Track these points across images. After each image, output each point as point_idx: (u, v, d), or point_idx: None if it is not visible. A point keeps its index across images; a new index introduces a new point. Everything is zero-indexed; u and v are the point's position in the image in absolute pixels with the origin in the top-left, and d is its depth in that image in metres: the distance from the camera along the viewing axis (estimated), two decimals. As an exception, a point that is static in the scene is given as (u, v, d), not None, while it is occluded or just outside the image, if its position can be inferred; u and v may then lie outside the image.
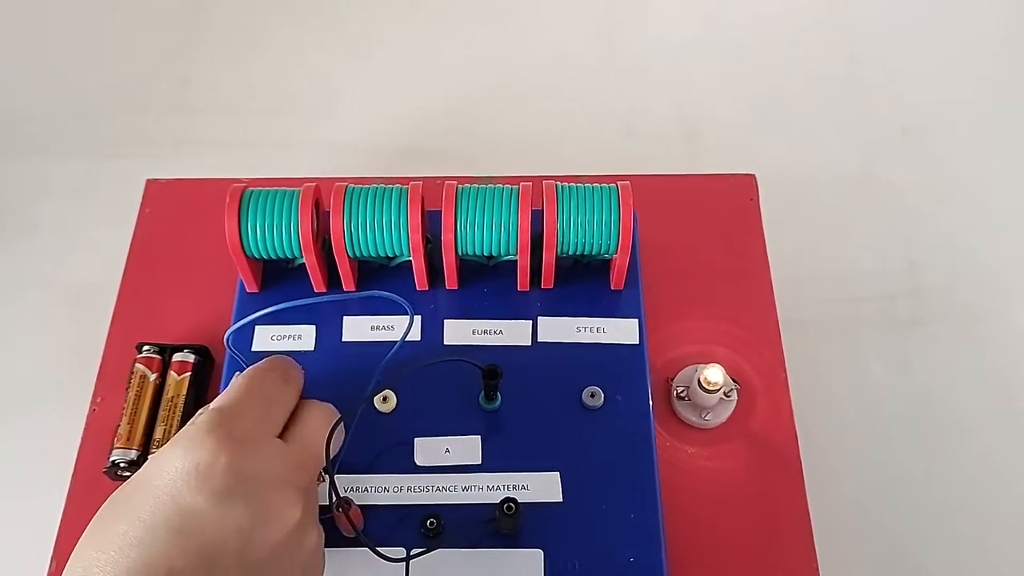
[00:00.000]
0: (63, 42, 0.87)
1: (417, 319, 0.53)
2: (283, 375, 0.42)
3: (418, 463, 0.48)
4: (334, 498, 0.44)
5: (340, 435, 0.43)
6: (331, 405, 0.44)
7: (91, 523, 0.36)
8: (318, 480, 0.43)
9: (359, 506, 0.45)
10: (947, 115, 0.81)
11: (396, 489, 0.48)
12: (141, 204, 0.62)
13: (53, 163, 0.79)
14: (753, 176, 0.63)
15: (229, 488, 0.35)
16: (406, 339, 0.48)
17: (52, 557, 0.49)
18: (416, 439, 0.49)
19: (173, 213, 0.62)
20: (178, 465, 0.35)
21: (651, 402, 0.50)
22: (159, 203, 0.62)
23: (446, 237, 0.50)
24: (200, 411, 0.40)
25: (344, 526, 0.45)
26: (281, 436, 0.40)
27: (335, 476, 0.45)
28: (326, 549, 0.45)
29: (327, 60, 0.86)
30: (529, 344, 0.52)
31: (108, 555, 0.34)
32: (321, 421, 0.42)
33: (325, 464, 0.42)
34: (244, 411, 0.39)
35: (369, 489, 0.48)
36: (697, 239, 0.60)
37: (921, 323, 0.69)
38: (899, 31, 0.87)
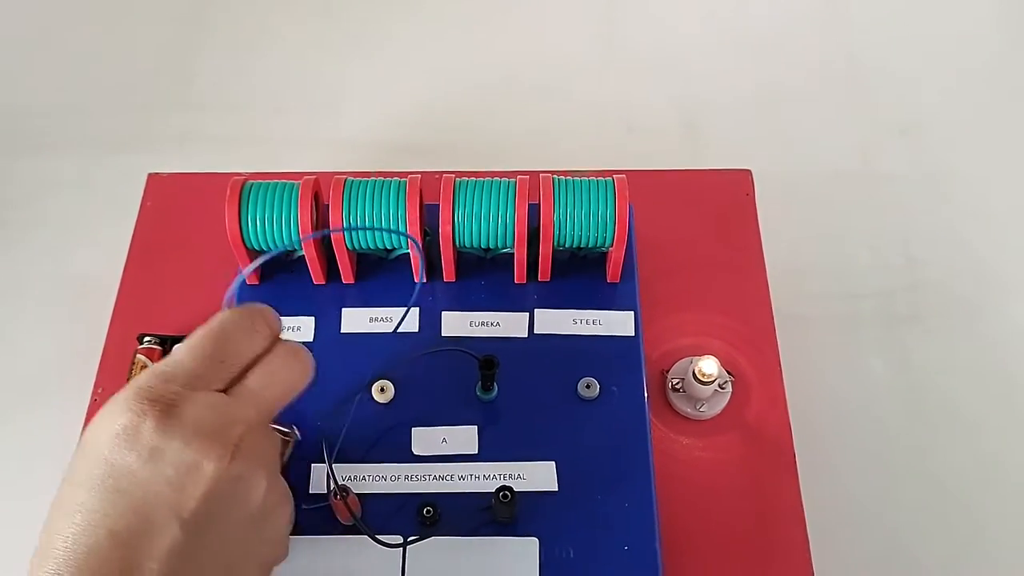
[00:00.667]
0: (67, 39, 0.88)
1: (415, 311, 0.53)
2: (249, 326, 0.41)
3: (415, 452, 0.49)
4: (332, 486, 0.45)
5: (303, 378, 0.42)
6: (305, 351, 0.43)
7: (58, 489, 0.37)
8: (286, 437, 0.44)
9: (356, 494, 0.46)
10: (945, 112, 0.81)
11: (393, 478, 0.48)
12: (143, 198, 0.63)
13: (57, 159, 0.80)
14: (749, 171, 0.63)
15: (155, 446, 0.36)
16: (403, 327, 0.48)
17: (54, 545, 0.50)
18: (413, 429, 0.50)
19: (174, 206, 0.62)
20: (108, 428, 0.36)
21: (646, 393, 0.51)
22: (160, 197, 0.63)
23: (444, 229, 0.51)
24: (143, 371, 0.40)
25: (342, 514, 0.46)
26: (230, 386, 0.40)
27: (334, 464, 0.46)
28: (323, 537, 0.46)
29: (329, 57, 0.86)
30: (526, 336, 0.53)
31: (59, 522, 0.35)
32: (281, 374, 0.41)
33: (274, 417, 0.41)
34: (184, 370, 0.39)
35: (367, 478, 0.48)
36: (693, 233, 0.61)
37: (919, 319, 0.69)
38: (898, 28, 0.87)
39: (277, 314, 0.43)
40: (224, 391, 0.39)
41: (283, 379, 0.41)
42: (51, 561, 0.34)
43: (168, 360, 0.39)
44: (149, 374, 0.38)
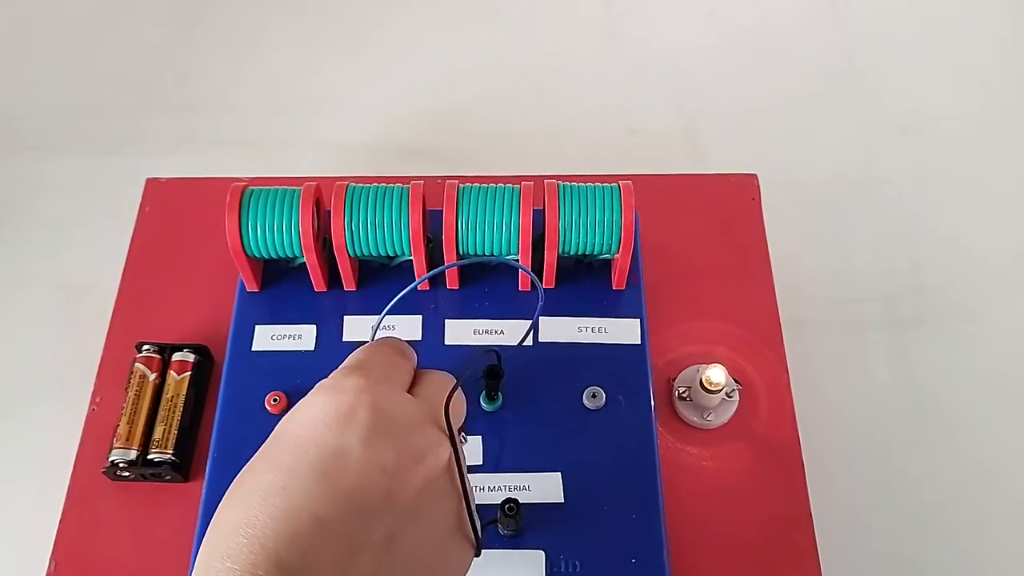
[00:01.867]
0: (64, 40, 0.87)
1: (418, 318, 0.53)
2: (398, 349, 0.40)
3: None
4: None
5: (462, 400, 0.41)
6: (448, 373, 0.41)
7: (230, 488, 0.34)
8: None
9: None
10: (948, 115, 0.81)
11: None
12: (141, 203, 0.62)
13: (54, 161, 0.79)
14: (755, 176, 0.63)
15: (375, 428, 0.34)
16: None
17: (52, 556, 0.49)
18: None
19: (173, 212, 0.61)
20: (319, 411, 0.34)
21: (653, 402, 0.50)
22: (159, 202, 0.62)
23: (447, 237, 0.50)
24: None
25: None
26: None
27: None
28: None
29: (328, 59, 0.86)
30: (530, 344, 0.52)
31: (250, 509, 0.32)
32: (441, 384, 0.39)
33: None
34: (376, 365, 0.37)
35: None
36: (699, 239, 0.60)
37: (922, 323, 0.68)
38: (900, 31, 0.87)
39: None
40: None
41: (442, 388, 0.39)
42: (256, 535, 0.31)
43: (356, 358, 0.38)
44: (347, 368, 0.37)
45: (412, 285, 0.45)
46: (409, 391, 0.38)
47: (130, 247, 0.60)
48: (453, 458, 0.36)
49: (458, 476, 0.37)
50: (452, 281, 0.54)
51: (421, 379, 0.40)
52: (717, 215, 0.61)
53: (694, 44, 0.86)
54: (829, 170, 0.77)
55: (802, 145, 0.79)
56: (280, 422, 0.35)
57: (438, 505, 0.36)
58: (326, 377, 0.36)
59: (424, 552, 0.35)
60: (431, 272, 0.46)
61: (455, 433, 0.38)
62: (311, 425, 0.34)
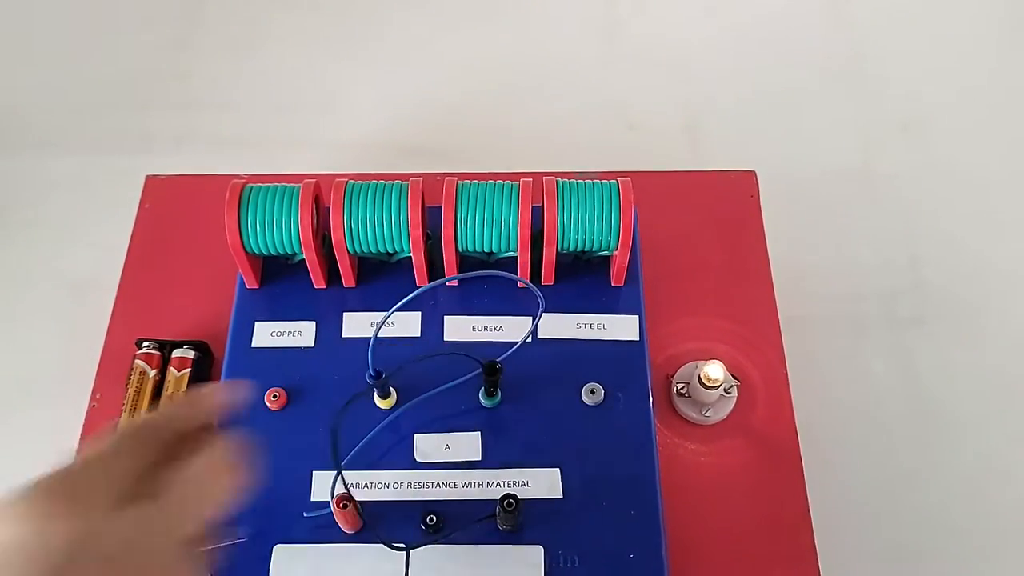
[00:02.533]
0: (66, 40, 0.87)
1: (417, 314, 0.53)
2: (151, 422, 0.35)
3: (418, 459, 0.48)
4: (336, 494, 0.44)
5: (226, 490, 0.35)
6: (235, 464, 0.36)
7: None
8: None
9: (359, 502, 0.45)
10: (948, 112, 0.81)
11: (396, 485, 0.48)
12: (141, 200, 0.62)
13: (55, 159, 0.79)
14: (753, 173, 0.63)
15: (71, 569, 0.30)
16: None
17: (52, 553, 0.49)
18: (416, 435, 0.49)
19: (173, 209, 0.62)
20: (5, 547, 0.30)
21: (651, 398, 0.50)
22: (159, 199, 0.62)
23: (446, 233, 0.50)
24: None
25: (346, 522, 0.45)
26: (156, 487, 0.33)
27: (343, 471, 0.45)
28: (326, 545, 0.46)
29: (328, 57, 0.86)
30: (529, 341, 0.52)
31: None
32: (205, 476, 0.35)
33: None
34: (88, 475, 0.32)
35: (369, 485, 0.47)
36: (698, 236, 0.60)
37: (921, 320, 0.69)
38: (900, 28, 0.87)
39: (220, 399, 0.37)
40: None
41: (211, 493, 0.35)
42: None
43: (59, 474, 0.32)
44: (42, 488, 0.31)
45: (414, 293, 0.44)
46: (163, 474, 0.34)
47: (130, 244, 0.60)
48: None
49: None
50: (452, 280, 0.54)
51: (178, 467, 0.34)
52: (716, 212, 0.61)
53: (695, 41, 0.86)
54: (829, 166, 0.77)
55: (802, 141, 0.79)
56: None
57: None
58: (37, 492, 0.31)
59: None
60: (433, 284, 0.45)
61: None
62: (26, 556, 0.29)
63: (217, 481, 0.35)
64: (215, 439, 0.36)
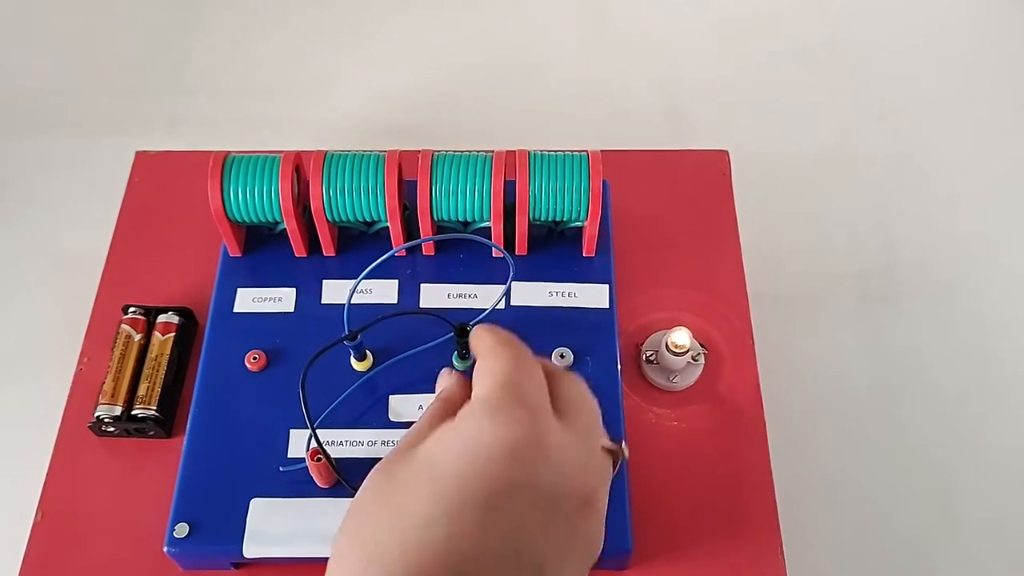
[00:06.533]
0: (59, 23, 0.89)
1: (394, 282, 0.55)
2: (525, 351, 0.37)
3: (392, 419, 0.50)
4: (310, 448, 0.46)
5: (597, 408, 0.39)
6: (574, 375, 0.39)
7: (366, 495, 0.34)
8: (615, 456, 0.40)
9: (335, 458, 0.47)
10: (924, 97, 0.82)
11: (371, 443, 0.49)
12: (130, 175, 0.64)
13: (50, 141, 0.81)
14: (726, 152, 0.64)
15: (542, 468, 0.33)
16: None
17: (38, 507, 0.51)
18: (391, 396, 0.51)
19: (160, 183, 0.63)
20: (487, 444, 0.33)
21: (619, 364, 0.52)
22: (147, 174, 0.64)
23: (422, 203, 0.52)
24: (475, 386, 0.36)
25: (320, 477, 0.47)
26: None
27: (317, 429, 0.47)
28: (301, 499, 0.47)
29: (319, 43, 0.88)
30: (503, 307, 0.54)
31: (408, 532, 0.31)
32: (580, 394, 0.38)
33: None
34: (530, 387, 0.35)
35: (345, 443, 0.49)
36: (671, 211, 0.62)
37: (893, 299, 0.70)
38: (879, 13, 0.88)
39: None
40: None
41: (589, 406, 0.38)
42: (409, 560, 0.30)
43: (506, 375, 0.35)
44: (504, 389, 0.34)
45: (388, 254, 0.47)
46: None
47: (119, 216, 0.62)
48: (606, 495, 0.37)
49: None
50: (428, 249, 0.56)
51: (556, 386, 0.37)
52: (689, 189, 0.63)
53: (677, 27, 0.88)
54: (807, 150, 0.79)
55: (781, 126, 0.81)
56: (437, 440, 0.34)
57: (583, 540, 0.36)
58: (491, 393, 0.34)
59: (572, 566, 0.35)
60: (407, 244, 0.48)
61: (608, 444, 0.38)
62: (478, 459, 0.32)
63: (595, 405, 0.38)
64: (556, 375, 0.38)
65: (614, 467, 0.40)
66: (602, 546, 0.37)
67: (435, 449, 0.34)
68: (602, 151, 0.52)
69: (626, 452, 0.43)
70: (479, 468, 0.32)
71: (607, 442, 0.39)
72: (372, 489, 0.34)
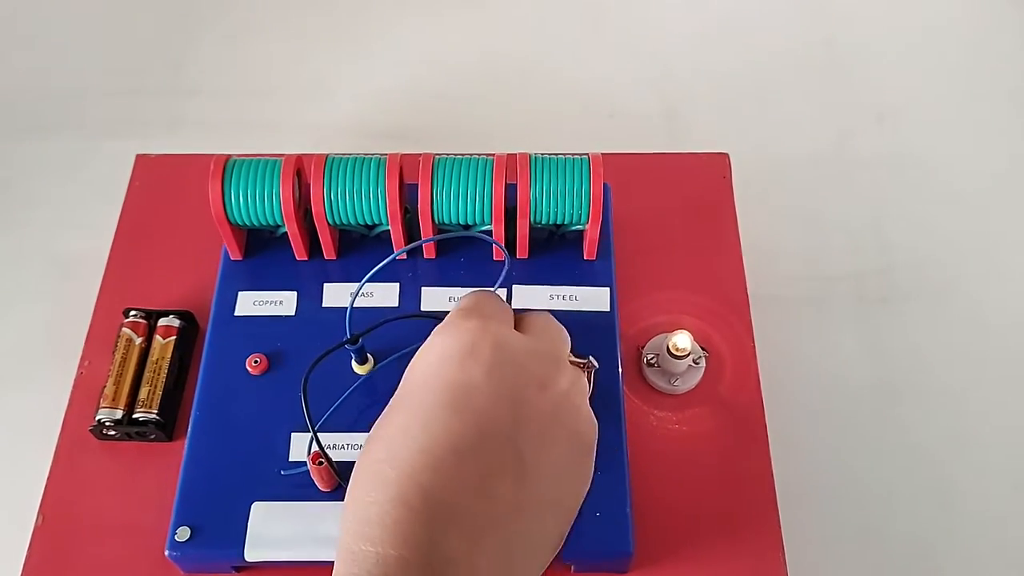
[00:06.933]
0: (58, 25, 0.89)
1: (395, 286, 0.55)
2: (499, 297, 0.43)
3: (394, 422, 0.50)
4: (312, 451, 0.46)
5: (565, 332, 0.44)
6: (545, 312, 0.45)
7: (369, 437, 0.37)
8: (584, 368, 0.44)
9: (336, 462, 0.47)
10: (921, 99, 0.83)
11: (372, 447, 0.49)
12: (131, 178, 0.64)
13: (49, 143, 0.81)
14: (726, 155, 0.64)
15: (497, 361, 0.36)
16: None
17: (39, 510, 0.51)
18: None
19: (161, 186, 0.63)
20: (443, 350, 0.37)
21: (620, 366, 0.52)
22: (148, 177, 0.64)
23: (422, 207, 0.52)
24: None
25: (321, 480, 0.47)
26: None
27: (319, 432, 0.47)
28: (303, 503, 0.47)
29: (319, 43, 0.88)
30: (503, 309, 0.54)
31: (393, 447, 0.35)
32: (545, 322, 0.42)
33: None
34: (488, 306, 0.40)
35: (346, 447, 0.49)
36: (671, 215, 0.62)
37: (890, 300, 0.70)
38: (876, 15, 0.89)
39: None
40: None
41: (549, 321, 0.42)
42: (401, 471, 0.34)
43: (469, 301, 0.40)
44: (462, 310, 0.39)
45: (390, 257, 0.47)
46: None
47: (119, 219, 0.62)
48: (573, 384, 0.39)
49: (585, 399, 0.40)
50: (429, 252, 0.56)
51: (524, 321, 0.43)
52: (690, 192, 0.63)
53: (676, 29, 0.88)
54: (806, 152, 0.79)
55: (779, 128, 0.81)
56: (407, 369, 0.38)
57: (564, 428, 0.38)
58: (452, 313, 0.39)
59: (557, 473, 0.38)
60: (409, 246, 0.48)
61: (575, 359, 0.42)
62: (437, 364, 0.37)
63: (563, 330, 0.42)
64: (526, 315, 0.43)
65: (590, 381, 0.44)
66: (594, 437, 0.40)
67: (407, 372, 0.39)
68: (602, 154, 0.52)
69: (595, 363, 0.46)
70: (434, 372, 0.37)
71: (575, 358, 0.43)
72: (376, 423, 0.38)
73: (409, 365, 0.38)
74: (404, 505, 0.33)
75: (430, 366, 0.37)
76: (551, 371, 0.38)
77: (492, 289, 0.45)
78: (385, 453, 0.35)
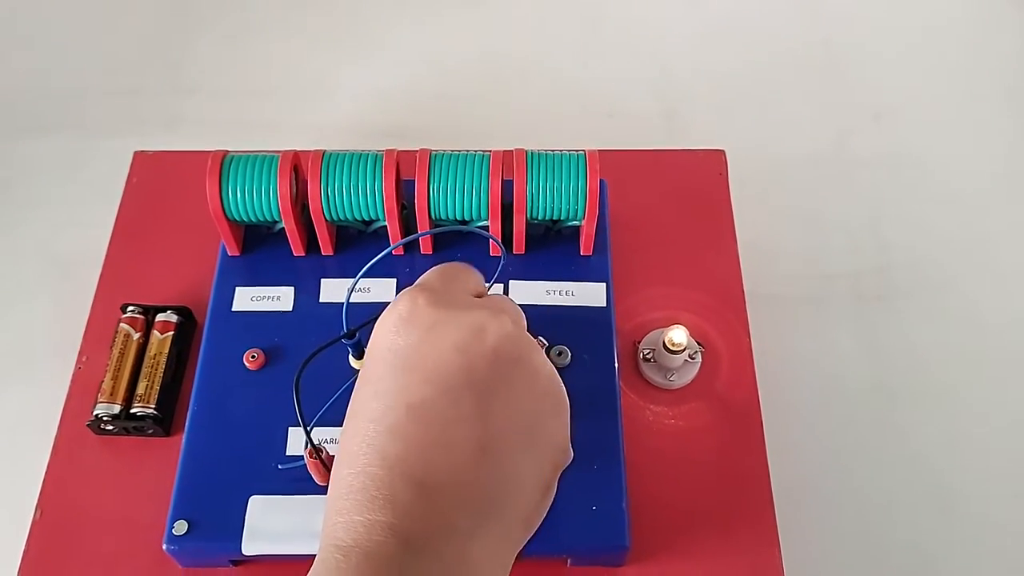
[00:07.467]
0: (58, 25, 0.89)
1: (392, 281, 0.55)
2: (460, 265, 0.43)
3: (390, 417, 0.50)
4: (308, 446, 0.46)
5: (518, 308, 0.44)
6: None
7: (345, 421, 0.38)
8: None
9: (332, 455, 0.47)
10: (918, 99, 0.83)
11: (369, 441, 0.49)
12: (129, 175, 0.64)
13: (48, 142, 0.81)
14: (722, 152, 0.65)
15: (434, 318, 0.37)
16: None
17: (38, 505, 0.51)
18: (389, 394, 0.51)
19: (159, 183, 0.64)
20: (384, 323, 0.38)
21: (616, 361, 0.52)
22: (145, 174, 0.64)
23: (419, 202, 0.52)
24: None
25: (318, 474, 0.47)
26: None
27: (311, 428, 0.47)
28: (300, 496, 0.48)
29: (317, 43, 0.88)
30: (499, 301, 0.54)
31: (359, 424, 0.36)
32: (507, 302, 0.42)
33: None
34: (430, 277, 0.41)
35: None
36: (668, 211, 0.62)
37: (887, 299, 0.70)
38: (874, 15, 0.89)
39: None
40: None
41: (512, 306, 0.42)
42: (362, 441, 0.35)
43: (420, 279, 0.42)
44: (411, 288, 0.40)
45: (386, 251, 0.47)
46: None
47: (117, 215, 0.62)
48: (515, 326, 0.39)
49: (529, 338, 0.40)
50: (426, 247, 0.56)
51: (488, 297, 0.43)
52: (686, 188, 0.63)
53: (673, 29, 0.88)
54: (803, 151, 0.79)
55: (777, 127, 0.81)
56: (371, 339, 0.39)
57: (518, 366, 0.38)
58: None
59: (521, 411, 0.38)
60: (404, 240, 0.48)
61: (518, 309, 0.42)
62: (381, 336, 0.38)
63: (517, 307, 0.42)
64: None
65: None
66: (556, 379, 0.41)
67: (367, 350, 0.39)
68: (599, 151, 0.52)
69: (545, 343, 0.48)
70: (378, 343, 0.38)
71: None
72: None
73: (372, 335, 0.39)
74: (366, 473, 0.34)
75: (375, 341, 0.38)
76: (489, 316, 0.38)
77: (454, 262, 0.44)
78: (350, 429, 0.36)
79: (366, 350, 0.39)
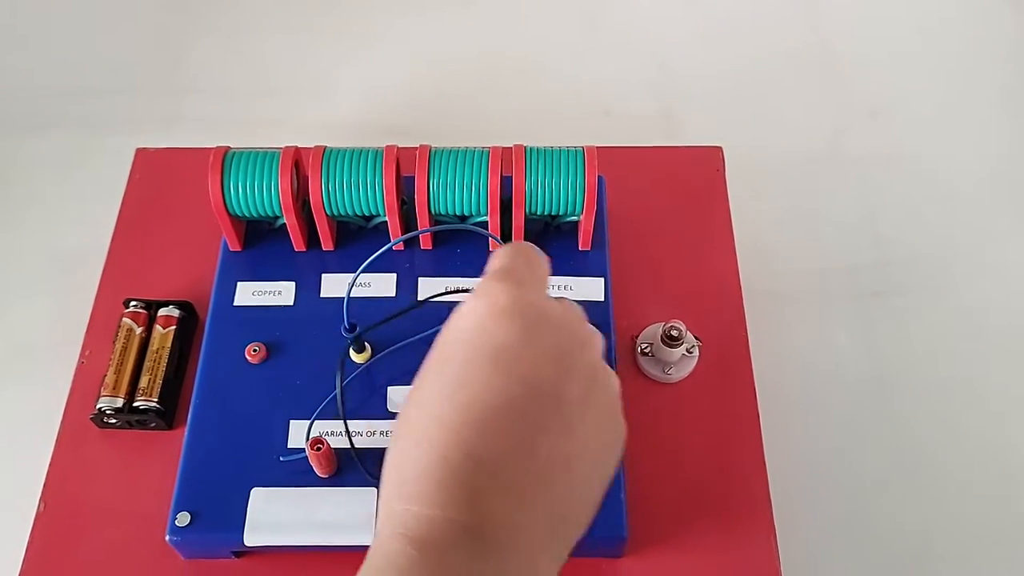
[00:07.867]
0: (58, 23, 0.90)
1: (393, 276, 0.55)
2: (535, 250, 0.40)
3: (391, 410, 0.51)
4: (309, 439, 0.47)
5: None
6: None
7: (407, 401, 0.36)
8: None
9: (334, 449, 0.48)
10: (914, 96, 0.83)
11: (370, 434, 0.50)
12: (131, 172, 0.65)
13: (50, 140, 0.82)
14: (719, 148, 0.65)
15: (534, 323, 0.35)
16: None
17: (41, 498, 0.52)
18: (389, 387, 0.51)
19: (161, 179, 0.64)
20: (479, 314, 0.35)
21: (614, 354, 0.53)
22: (147, 171, 0.65)
23: (419, 198, 0.53)
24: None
25: (320, 466, 0.47)
26: None
27: (315, 421, 0.48)
28: (301, 489, 0.48)
29: (317, 41, 0.88)
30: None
31: (434, 406, 0.33)
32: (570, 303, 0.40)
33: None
34: (519, 268, 0.38)
35: (344, 434, 0.50)
36: (666, 207, 0.63)
37: (884, 294, 0.71)
38: (870, 14, 0.90)
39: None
40: None
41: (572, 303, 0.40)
42: (440, 427, 0.33)
43: (500, 263, 0.38)
44: (494, 274, 0.37)
45: (387, 247, 0.48)
46: None
47: (120, 212, 0.63)
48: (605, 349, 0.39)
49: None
50: (426, 242, 0.57)
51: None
52: (683, 185, 0.64)
53: (671, 27, 0.89)
54: (800, 148, 0.80)
55: (774, 124, 0.82)
56: (438, 337, 0.36)
57: (603, 391, 0.37)
58: (485, 276, 0.37)
59: (598, 431, 0.36)
60: (405, 236, 0.49)
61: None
62: (474, 327, 0.35)
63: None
64: None
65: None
66: (620, 395, 0.39)
67: (440, 339, 0.36)
68: (597, 147, 0.53)
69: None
70: (470, 335, 0.35)
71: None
72: (412, 388, 0.37)
73: (442, 332, 0.36)
74: (445, 463, 0.32)
75: (465, 331, 0.35)
76: (587, 335, 0.37)
77: (525, 243, 0.41)
78: (425, 413, 0.33)
79: (445, 331, 0.36)
